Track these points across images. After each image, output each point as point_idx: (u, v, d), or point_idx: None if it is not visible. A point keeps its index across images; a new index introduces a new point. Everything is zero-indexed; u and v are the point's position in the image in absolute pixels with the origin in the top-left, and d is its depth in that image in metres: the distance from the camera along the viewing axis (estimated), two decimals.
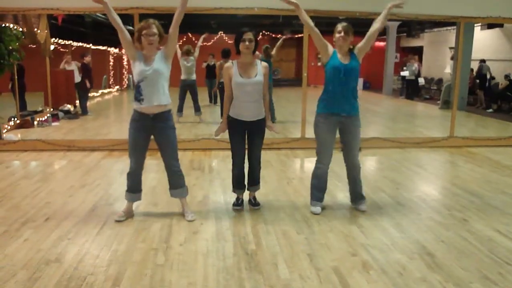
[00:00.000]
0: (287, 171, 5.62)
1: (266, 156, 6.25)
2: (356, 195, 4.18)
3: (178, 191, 3.95)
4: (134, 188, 3.90)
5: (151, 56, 3.70)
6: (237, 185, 4.15)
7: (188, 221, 3.82)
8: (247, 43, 3.78)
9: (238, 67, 3.84)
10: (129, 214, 3.90)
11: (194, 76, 9.39)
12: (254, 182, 4.16)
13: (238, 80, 3.79)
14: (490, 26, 13.35)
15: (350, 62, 3.87)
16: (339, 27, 3.89)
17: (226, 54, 9.36)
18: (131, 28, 17.42)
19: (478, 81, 13.03)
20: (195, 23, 17.25)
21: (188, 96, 9.44)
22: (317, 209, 4.06)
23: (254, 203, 4.20)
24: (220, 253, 3.23)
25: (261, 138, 4.04)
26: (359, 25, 19.00)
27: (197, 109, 9.63)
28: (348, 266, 3.05)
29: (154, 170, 5.45)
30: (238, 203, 4.16)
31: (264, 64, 3.93)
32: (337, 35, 3.89)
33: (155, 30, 3.66)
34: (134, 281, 2.81)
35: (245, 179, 4.14)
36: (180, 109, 9.42)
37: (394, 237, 3.57)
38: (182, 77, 9.34)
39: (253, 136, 3.98)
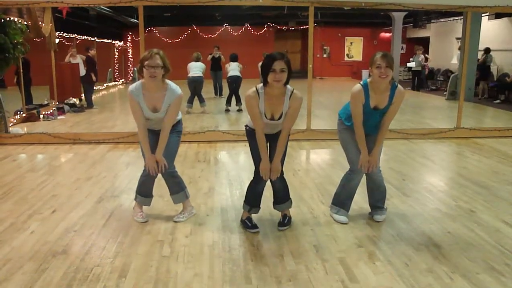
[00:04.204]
0: (292, 163, 5.61)
1: None
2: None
3: (179, 195, 3.74)
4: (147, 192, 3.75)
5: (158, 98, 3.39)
6: (255, 203, 3.55)
7: (175, 221, 3.66)
8: (277, 74, 3.09)
9: (265, 100, 3.22)
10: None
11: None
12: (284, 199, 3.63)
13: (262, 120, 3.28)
14: (498, 15, 13.20)
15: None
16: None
17: (234, 59, 10.12)
18: (135, 20, 17.18)
19: (478, 72, 12.81)
20: (200, 15, 17.22)
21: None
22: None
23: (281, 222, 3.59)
24: (226, 245, 3.24)
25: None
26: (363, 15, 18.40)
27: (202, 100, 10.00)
28: (354, 257, 3.05)
29: None
30: (253, 224, 3.52)
31: (295, 97, 3.25)
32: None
33: (158, 61, 3.30)
34: (140, 273, 2.82)
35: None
36: (190, 101, 9.84)
37: (400, 228, 3.55)
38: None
39: (272, 144, 3.43)
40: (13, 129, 7.32)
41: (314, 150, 6.45)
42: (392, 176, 5.01)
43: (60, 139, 6.71)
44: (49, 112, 9.08)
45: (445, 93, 13.57)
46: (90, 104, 10.71)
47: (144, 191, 3.72)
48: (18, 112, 8.61)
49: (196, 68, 9.70)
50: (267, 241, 3.31)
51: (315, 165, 5.65)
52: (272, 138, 3.42)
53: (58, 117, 9.11)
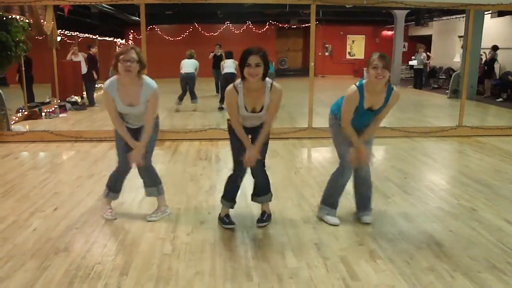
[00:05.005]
0: (294, 161, 5.61)
1: (273, 145, 6.23)
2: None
3: (152, 189, 3.72)
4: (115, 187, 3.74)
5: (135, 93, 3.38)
6: (231, 197, 3.57)
7: (148, 220, 3.64)
8: (252, 69, 3.09)
9: (244, 95, 3.23)
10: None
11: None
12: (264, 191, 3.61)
13: (243, 113, 3.30)
14: (501, 13, 13.15)
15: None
16: None
17: (229, 56, 10.13)
18: (137, 18, 17.11)
19: (486, 68, 12.88)
20: (201, 13, 17.21)
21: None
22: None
23: (260, 218, 3.60)
24: (227, 242, 3.24)
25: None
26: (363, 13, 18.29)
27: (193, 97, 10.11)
28: (355, 255, 3.05)
29: (160, 160, 5.46)
30: (230, 221, 3.53)
31: (275, 89, 3.27)
32: None
33: (134, 55, 3.28)
34: (142, 270, 2.83)
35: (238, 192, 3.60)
36: (180, 98, 9.94)
37: (402, 226, 3.55)
38: None
39: (254, 137, 3.44)
40: (15, 127, 7.34)
41: (316, 148, 6.45)
42: (394, 174, 5.01)
43: (62, 137, 6.72)
44: (51, 110, 9.10)
45: (447, 91, 13.54)
46: (91, 102, 10.72)
47: (115, 187, 3.71)
48: (20, 110, 8.62)
49: (189, 65, 9.77)
50: (268, 238, 3.31)
51: (317, 163, 5.65)
52: (255, 132, 3.44)
53: (60, 115, 9.12)
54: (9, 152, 6.05)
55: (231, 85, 3.30)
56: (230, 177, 3.56)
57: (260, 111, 3.32)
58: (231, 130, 3.44)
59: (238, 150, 3.39)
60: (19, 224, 3.55)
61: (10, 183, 4.62)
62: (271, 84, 3.27)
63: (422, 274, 2.80)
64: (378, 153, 6.04)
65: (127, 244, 3.20)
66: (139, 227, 3.50)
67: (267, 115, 3.34)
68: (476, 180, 4.81)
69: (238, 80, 3.26)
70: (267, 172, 3.59)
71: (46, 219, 3.64)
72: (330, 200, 3.67)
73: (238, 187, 3.57)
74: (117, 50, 3.41)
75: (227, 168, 5.24)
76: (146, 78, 3.45)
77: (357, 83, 3.40)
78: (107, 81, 3.46)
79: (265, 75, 3.17)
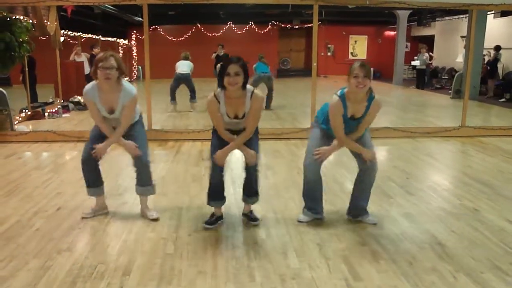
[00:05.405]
0: (297, 161, 5.60)
1: (275, 145, 6.24)
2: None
3: (147, 188, 3.68)
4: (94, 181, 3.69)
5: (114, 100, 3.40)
6: (218, 194, 3.55)
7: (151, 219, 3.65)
8: (231, 78, 3.14)
9: (225, 103, 3.28)
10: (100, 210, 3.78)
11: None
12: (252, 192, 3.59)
13: (225, 119, 3.35)
14: (504, 13, 13.11)
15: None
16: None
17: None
18: (140, 19, 17.13)
19: (489, 68, 12.87)
20: (204, 13, 17.24)
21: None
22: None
23: (251, 217, 3.64)
24: (229, 242, 3.25)
25: (255, 138, 3.47)
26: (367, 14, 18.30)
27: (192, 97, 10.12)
28: (357, 255, 3.05)
29: (163, 160, 5.47)
30: (212, 221, 3.53)
31: (256, 97, 3.30)
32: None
33: (113, 62, 3.30)
34: (144, 270, 2.83)
35: (224, 189, 3.58)
36: (173, 98, 9.90)
37: (404, 227, 3.55)
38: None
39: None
40: (19, 127, 7.36)
41: None
42: (396, 174, 5.00)
43: (65, 137, 6.74)
44: (54, 110, 9.12)
45: (449, 91, 13.51)
46: None
47: (91, 182, 3.67)
48: (23, 110, 8.64)
49: (184, 66, 9.84)
50: (270, 238, 3.32)
51: None
52: (238, 135, 3.45)
53: (63, 115, 9.14)
54: (12, 152, 6.07)
55: (211, 95, 3.33)
56: (210, 177, 3.50)
57: (243, 117, 3.36)
58: (215, 131, 3.47)
59: (216, 149, 3.40)
60: (22, 223, 3.56)
61: (13, 183, 4.63)
62: (252, 92, 3.30)
63: (424, 274, 2.80)
64: (381, 153, 6.05)
65: (129, 244, 3.21)
66: (141, 227, 3.51)
67: (246, 122, 3.36)
68: (479, 180, 4.80)
69: (219, 89, 3.30)
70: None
71: (49, 219, 3.66)
72: (304, 199, 3.68)
73: (222, 183, 3.51)
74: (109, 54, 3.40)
75: (228, 168, 5.25)
76: (126, 84, 3.46)
77: (338, 92, 3.38)
78: (88, 86, 3.47)
79: (245, 84, 3.23)
